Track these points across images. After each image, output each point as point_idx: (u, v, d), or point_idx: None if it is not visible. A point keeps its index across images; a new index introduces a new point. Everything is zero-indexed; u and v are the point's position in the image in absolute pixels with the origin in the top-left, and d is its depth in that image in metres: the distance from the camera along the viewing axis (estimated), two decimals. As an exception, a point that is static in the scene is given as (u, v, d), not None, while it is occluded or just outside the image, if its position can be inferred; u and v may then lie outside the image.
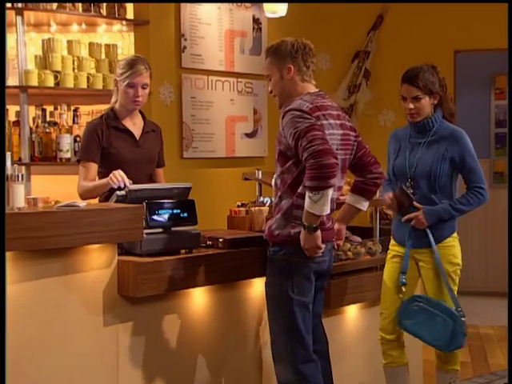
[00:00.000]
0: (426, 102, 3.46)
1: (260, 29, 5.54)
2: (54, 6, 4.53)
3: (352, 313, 3.88)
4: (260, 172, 4.02)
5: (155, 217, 3.12)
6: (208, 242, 3.39)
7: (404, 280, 3.48)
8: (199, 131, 5.16)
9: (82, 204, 2.88)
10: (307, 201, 2.95)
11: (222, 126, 5.31)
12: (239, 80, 5.41)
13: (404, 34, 6.03)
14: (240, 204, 3.90)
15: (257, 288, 3.49)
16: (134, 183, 3.27)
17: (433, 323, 3.42)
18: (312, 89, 3.19)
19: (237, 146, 5.39)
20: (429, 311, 3.42)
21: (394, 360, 3.63)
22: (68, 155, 4.50)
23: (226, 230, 3.73)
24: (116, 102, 3.60)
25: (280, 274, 3.13)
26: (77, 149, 4.49)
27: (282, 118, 3.04)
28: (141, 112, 3.71)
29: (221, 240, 3.35)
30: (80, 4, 4.59)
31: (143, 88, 3.54)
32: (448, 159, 3.44)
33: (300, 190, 3.03)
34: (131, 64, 3.51)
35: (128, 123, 3.61)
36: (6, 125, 4.33)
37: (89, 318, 2.92)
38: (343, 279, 3.72)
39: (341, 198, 3.81)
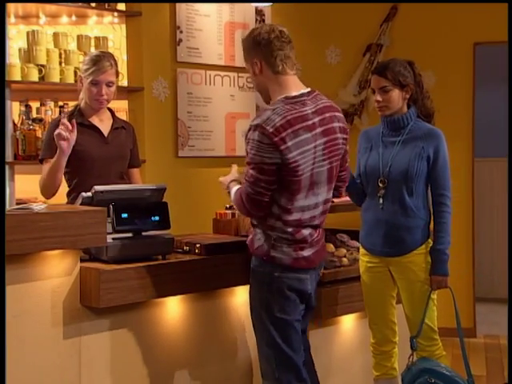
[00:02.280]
0: (396, 95, 3.25)
1: (263, 21, 5.26)
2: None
3: (346, 324, 3.62)
4: (250, 171, 3.77)
5: (123, 220, 2.88)
6: (185, 248, 3.15)
7: (415, 345, 3.26)
8: (196, 128, 4.91)
9: (39, 207, 2.66)
10: (232, 194, 2.96)
11: (221, 124, 5.05)
12: (240, 75, 5.14)
13: (419, 26, 5.68)
14: (228, 206, 3.65)
15: (239, 297, 3.26)
16: (103, 182, 3.05)
17: None
18: (291, 86, 2.84)
19: (238, 145, 5.12)
20: None
21: (388, 371, 3.42)
22: (53, 153, 4.27)
23: (208, 234, 3.48)
24: (82, 99, 3.40)
25: (260, 288, 2.91)
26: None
27: (249, 131, 2.78)
28: (110, 109, 3.50)
29: (197, 245, 3.11)
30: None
31: (108, 86, 3.33)
32: (425, 158, 3.22)
33: (273, 209, 2.84)
34: (95, 60, 3.32)
35: (94, 120, 3.41)
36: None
37: (47, 329, 2.71)
38: (336, 287, 3.46)
39: (335, 200, 3.58)
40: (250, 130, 2.78)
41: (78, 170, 3.35)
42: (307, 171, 2.80)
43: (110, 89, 3.35)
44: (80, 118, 3.38)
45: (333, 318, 3.51)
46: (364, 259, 3.39)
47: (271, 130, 2.71)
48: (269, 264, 2.87)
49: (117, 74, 3.39)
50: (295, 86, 2.85)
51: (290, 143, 2.73)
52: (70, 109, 3.47)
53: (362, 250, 3.41)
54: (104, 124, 3.43)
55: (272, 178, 2.76)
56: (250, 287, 2.97)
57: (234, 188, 2.96)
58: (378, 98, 3.26)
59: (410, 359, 3.25)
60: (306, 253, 2.91)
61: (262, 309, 2.89)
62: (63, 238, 2.63)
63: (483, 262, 7.03)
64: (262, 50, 2.82)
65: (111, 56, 3.40)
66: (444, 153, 3.24)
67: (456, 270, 5.64)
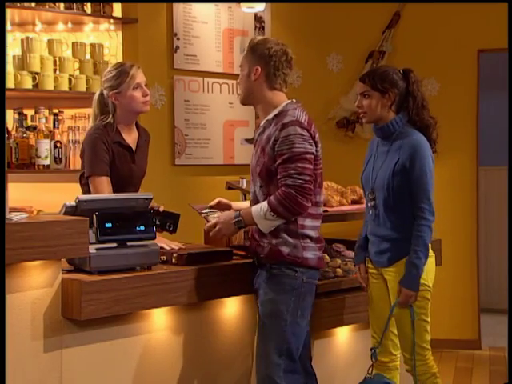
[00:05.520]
0: (375, 102, 3.17)
1: (263, 28, 5.21)
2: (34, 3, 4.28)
3: (340, 336, 3.54)
4: (244, 180, 3.72)
5: (106, 230, 2.82)
6: (162, 257, 3.06)
7: (375, 355, 3.24)
8: (193, 136, 4.85)
9: (18, 216, 2.61)
10: (261, 212, 2.91)
11: (219, 131, 4.99)
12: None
13: (422, 33, 5.60)
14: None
15: (228, 308, 3.20)
16: None
17: None
18: (279, 99, 3.05)
19: (236, 153, 5.06)
20: None
21: None
22: (47, 162, 4.22)
23: (195, 244, 3.40)
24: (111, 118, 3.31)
25: (288, 293, 2.96)
26: (57, 155, 4.23)
27: (280, 130, 2.92)
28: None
29: (175, 255, 3.04)
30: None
31: (146, 86, 3.34)
32: (400, 171, 3.10)
33: None
34: (123, 70, 3.29)
35: (126, 136, 3.35)
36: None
37: (27, 342, 2.64)
38: (332, 299, 3.39)
39: (329, 210, 3.54)
40: (282, 129, 2.91)
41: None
42: (321, 167, 3.04)
43: (147, 88, 3.33)
44: (118, 136, 3.30)
45: (326, 331, 3.44)
46: (369, 265, 3.33)
47: (305, 124, 2.94)
48: (299, 267, 2.95)
49: None
50: (282, 98, 3.05)
51: (316, 137, 2.99)
52: (100, 120, 3.33)
53: (367, 259, 3.36)
54: (132, 140, 3.38)
55: (312, 168, 2.94)
56: (269, 293, 2.97)
57: (257, 207, 2.94)
58: (357, 103, 3.22)
59: (369, 371, 3.21)
60: (321, 252, 3.05)
61: (287, 315, 2.94)
62: (43, 248, 2.57)
63: (491, 272, 6.92)
64: (270, 63, 3.01)
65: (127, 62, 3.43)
66: (420, 163, 3.09)
67: (460, 281, 5.60)
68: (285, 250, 2.94)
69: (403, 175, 3.10)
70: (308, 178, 2.89)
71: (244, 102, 3.15)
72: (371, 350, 3.23)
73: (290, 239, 2.94)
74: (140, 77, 3.30)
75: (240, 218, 2.96)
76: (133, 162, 3.35)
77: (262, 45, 3.04)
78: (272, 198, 2.89)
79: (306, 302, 3.00)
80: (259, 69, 3.00)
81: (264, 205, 2.91)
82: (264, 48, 3.02)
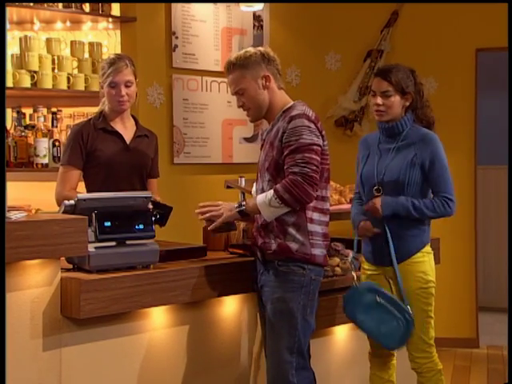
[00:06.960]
0: (396, 101, 3.17)
1: (261, 26, 5.21)
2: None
3: (338, 335, 3.55)
4: (243, 179, 3.72)
5: (105, 229, 2.82)
6: None
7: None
8: (192, 135, 4.86)
9: (18, 215, 2.61)
10: (266, 199, 2.89)
11: (217, 130, 5.00)
12: (237, 81, 5.07)
13: (420, 32, 5.61)
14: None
15: (227, 307, 3.20)
16: (124, 190, 3.06)
17: (387, 320, 3.11)
18: (287, 99, 3.06)
19: (235, 151, 5.07)
20: (387, 309, 3.11)
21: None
22: (45, 160, 4.24)
23: (176, 242, 3.40)
24: (105, 104, 3.36)
25: (297, 291, 2.95)
26: (55, 154, 4.24)
27: (288, 123, 2.92)
28: (134, 117, 3.46)
29: None
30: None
31: (126, 86, 3.29)
32: (418, 165, 3.13)
33: (313, 203, 2.95)
34: (111, 63, 3.29)
35: (118, 126, 3.36)
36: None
37: (26, 341, 2.64)
38: (329, 297, 3.38)
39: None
40: (290, 121, 2.92)
41: (98, 176, 3.30)
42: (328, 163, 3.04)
43: (130, 89, 3.30)
44: (103, 123, 3.33)
45: (324, 329, 3.44)
46: (365, 267, 3.32)
47: (313, 118, 2.95)
48: (308, 265, 2.95)
49: (134, 74, 3.34)
50: (288, 99, 3.06)
51: (323, 133, 2.99)
52: (92, 114, 3.40)
53: (362, 258, 3.35)
54: (127, 131, 3.39)
55: (319, 159, 2.92)
56: (277, 291, 2.96)
57: (262, 195, 2.93)
58: (379, 101, 3.17)
59: (355, 279, 3.24)
60: (326, 250, 3.04)
61: (298, 313, 2.94)
62: (41, 247, 2.57)
63: (489, 271, 6.92)
64: (271, 65, 3.01)
65: (127, 57, 3.37)
66: (441, 156, 3.13)
67: (459, 280, 5.61)
68: (293, 246, 2.93)
69: (419, 170, 3.12)
70: (315, 167, 2.88)
71: (256, 119, 3.13)
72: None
73: (298, 236, 2.93)
74: (119, 76, 3.27)
75: (243, 203, 2.97)
76: (126, 149, 3.35)
77: (251, 56, 2.99)
78: (278, 185, 2.88)
79: (315, 300, 3.01)
80: (269, 75, 2.99)
81: (269, 192, 2.90)
82: (255, 57, 2.98)
